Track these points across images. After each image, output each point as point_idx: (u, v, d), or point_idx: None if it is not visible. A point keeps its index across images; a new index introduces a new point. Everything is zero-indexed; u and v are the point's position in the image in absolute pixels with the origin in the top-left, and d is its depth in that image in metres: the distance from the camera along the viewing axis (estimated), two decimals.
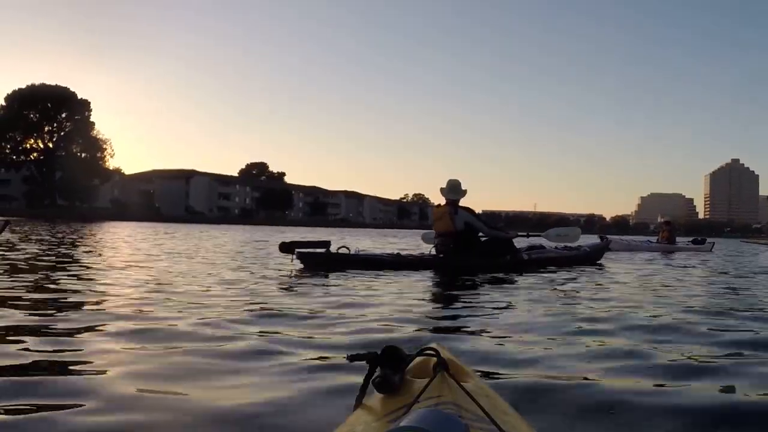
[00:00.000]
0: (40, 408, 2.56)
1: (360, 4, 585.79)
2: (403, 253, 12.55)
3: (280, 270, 10.24)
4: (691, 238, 28.97)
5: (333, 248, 11.23)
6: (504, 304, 6.40)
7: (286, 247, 11.01)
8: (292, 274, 9.60)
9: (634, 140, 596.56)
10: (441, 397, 1.27)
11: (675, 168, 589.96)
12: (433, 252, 11.98)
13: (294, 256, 10.90)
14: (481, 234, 11.97)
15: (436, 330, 4.77)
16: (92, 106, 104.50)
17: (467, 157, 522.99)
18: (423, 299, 6.98)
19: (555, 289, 8.36)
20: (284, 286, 7.80)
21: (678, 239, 27.44)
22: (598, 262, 14.10)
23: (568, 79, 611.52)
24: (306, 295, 6.77)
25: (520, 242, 13.02)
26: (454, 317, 5.56)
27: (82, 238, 21.26)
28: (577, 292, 7.95)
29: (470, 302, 6.66)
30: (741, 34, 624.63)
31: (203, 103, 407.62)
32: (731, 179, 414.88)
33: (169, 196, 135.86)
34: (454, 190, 11.94)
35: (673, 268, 14.24)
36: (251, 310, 5.38)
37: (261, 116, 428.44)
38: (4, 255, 11.22)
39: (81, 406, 2.60)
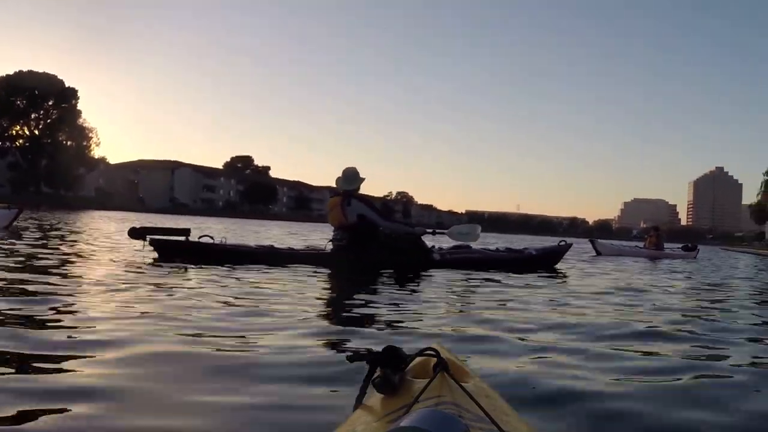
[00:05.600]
0: None
1: (346, 1, 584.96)
2: (277, 245, 11.79)
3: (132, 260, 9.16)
4: (680, 245, 28.69)
5: (194, 237, 10.38)
6: (378, 308, 5.72)
7: (137, 233, 10.19)
8: (143, 265, 8.63)
9: (619, 145, 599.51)
10: (441, 397, 1.27)
11: (659, 174, 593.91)
12: (330, 247, 10.97)
13: (146, 243, 10.05)
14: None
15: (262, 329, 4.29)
16: (79, 94, 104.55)
17: (451, 156, 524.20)
18: (285, 297, 6.11)
19: (456, 290, 7.75)
20: (130, 280, 6.79)
21: (665, 245, 27.18)
22: (555, 266, 12.66)
23: (554, 82, 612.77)
24: (157, 289, 6.05)
25: (445, 241, 12.01)
26: (311, 318, 4.95)
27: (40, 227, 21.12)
28: (472, 293, 7.53)
29: (338, 303, 6.30)
30: (730, 42, 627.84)
31: (189, 95, 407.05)
32: (715, 187, 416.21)
33: (153, 186, 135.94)
34: (349, 179, 10.86)
35: (640, 273, 13.57)
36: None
37: (247, 110, 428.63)
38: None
39: None
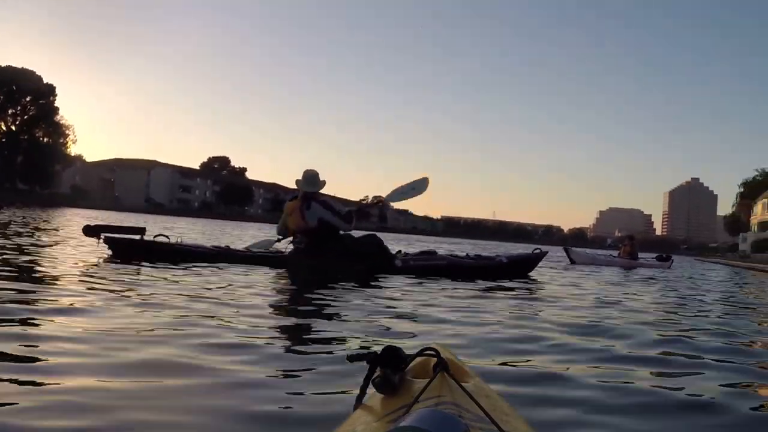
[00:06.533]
0: None
1: (323, 3, 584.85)
2: (233, 246, 11.47)
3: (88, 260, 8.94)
4: (655, 255, 28.77)
5: (150, 236, 10.27)
6: (321, 313, 5.45)
7: (91, 231, 10.04)
8: (95, 264, 8.45)
9: (596, 154, 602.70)
10: (441, 397, 1.28)
11: (635, 183, 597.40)
12: (290, 249, 10.74)
13: (100, 241, 9.91)
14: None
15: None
16: (59, 91, 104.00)
17: (428, 161, 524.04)
18: (244, 299, 5.96)
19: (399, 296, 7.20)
20: (82, 278, 6.68)
21: (639, 255, 27.21)
22: (529, 274, 12.08)
23: (531, 91, 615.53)
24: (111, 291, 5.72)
25: (411, 247, 11.55)
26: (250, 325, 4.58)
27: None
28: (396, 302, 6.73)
29: (289, 306, 6.10)
30: (708, 53, 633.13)
31: (169, 94, 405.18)
32: (690, 198, 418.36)
33: (129, 185, 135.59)
34: (310, 181, 10.62)
35: (613, 283, 13.04)
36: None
37: (225, 111, 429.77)
38: None
39: None
